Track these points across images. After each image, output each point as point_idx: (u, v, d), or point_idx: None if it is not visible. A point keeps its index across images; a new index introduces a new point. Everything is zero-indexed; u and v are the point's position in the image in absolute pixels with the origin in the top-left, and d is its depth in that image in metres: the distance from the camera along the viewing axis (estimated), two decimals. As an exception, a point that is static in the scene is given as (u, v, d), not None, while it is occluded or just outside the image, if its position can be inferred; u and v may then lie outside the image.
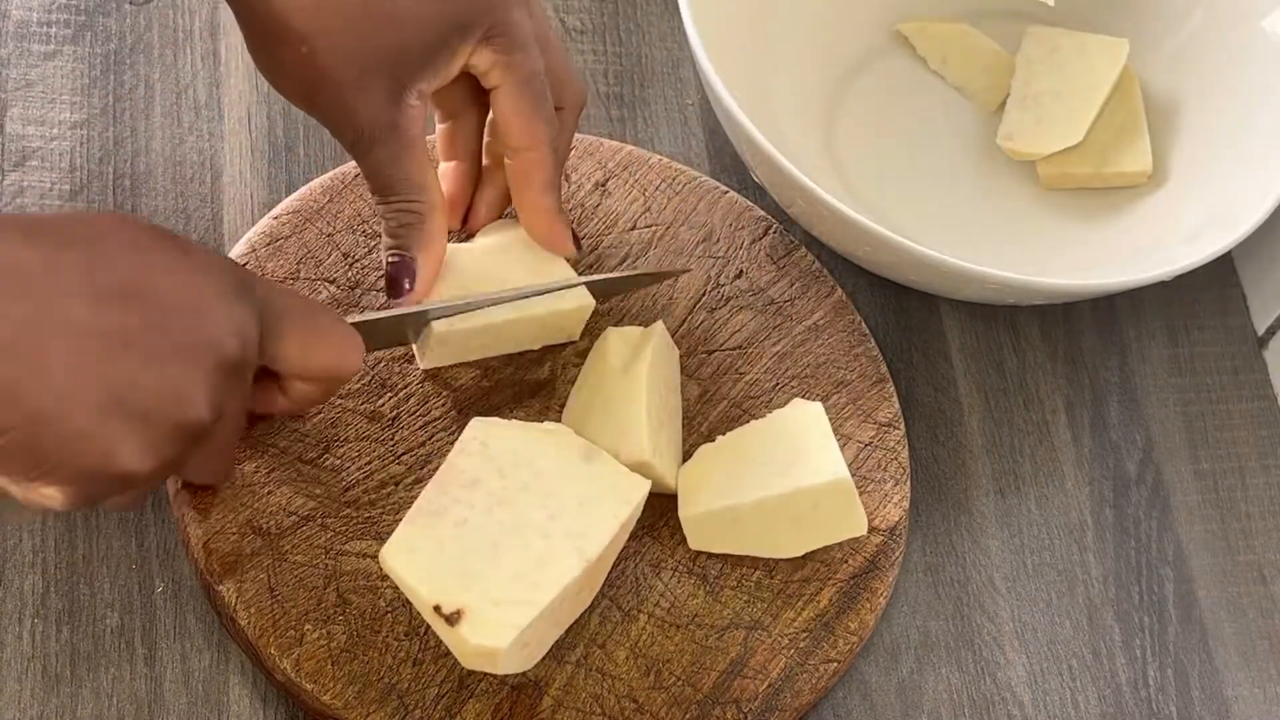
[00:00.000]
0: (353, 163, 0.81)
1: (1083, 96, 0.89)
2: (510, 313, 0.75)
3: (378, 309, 0.77)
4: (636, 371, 0.74)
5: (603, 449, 0.72)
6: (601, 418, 0.74)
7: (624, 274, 0.80)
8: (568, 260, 0.78)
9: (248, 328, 0.63)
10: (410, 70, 0.70)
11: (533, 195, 0.75)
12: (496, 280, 0.75)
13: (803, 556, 0.75)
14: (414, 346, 0.76)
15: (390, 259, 0.73)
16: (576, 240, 0.77)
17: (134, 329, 0.59)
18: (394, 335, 0.75)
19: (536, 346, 0.78)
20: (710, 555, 0.75)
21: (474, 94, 0.75)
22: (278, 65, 0.71)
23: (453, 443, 0.71)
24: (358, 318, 0.71)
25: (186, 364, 0.60)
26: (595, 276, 0.78)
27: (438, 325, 0.74)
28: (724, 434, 0.75)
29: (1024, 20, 0.94)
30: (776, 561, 0.75)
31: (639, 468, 0.72)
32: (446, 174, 0.78)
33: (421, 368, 0.77)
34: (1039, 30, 0.91)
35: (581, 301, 0.77)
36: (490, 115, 0.76)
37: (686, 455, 0.77)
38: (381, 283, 0.78)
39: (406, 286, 0.73)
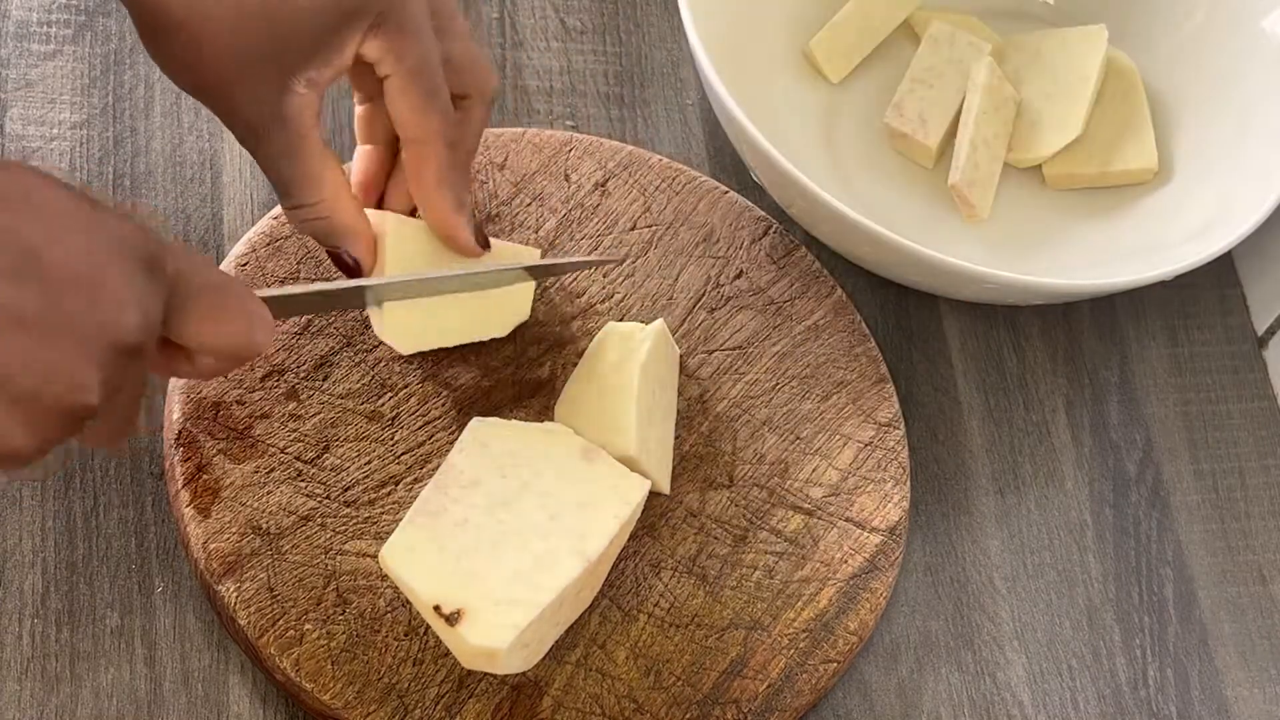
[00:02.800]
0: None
1: (1072, 91, 0.89)
2: (450, 283, 0.74)
3: (305, 283, 0.76)
4: (629, 368, 0.74)
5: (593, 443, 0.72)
6: (591, 411, 0.74)
7: (556, 260, 0.79)
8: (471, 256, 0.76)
9: (150, 307, 0.59)
10: (295, 59, 0.68)
11: (424, 190, 0.73)
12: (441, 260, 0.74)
13: (802, 556, 0.76)
14: (370, 315, 0.76)
15: (329, 252, 0.72)
16: (483, 239, 0.75)
17: (28, 307, 0.55)
18: (329, 304, 0.74)
19: (497, 332, 0.77)
20: (710, 555, 0.75)
21: (366, 75, 0.73)
22: (164, 56, 0.68)
23: (453, 443, 0.71)
24: (274, 291, 0.69)
25: (80, 345, 0.57)
26: (532, 262, 0.76)
27: (379, 292, 0.73)
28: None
29: (1023, 20, 0.94)
30: (776, 561, 0.75)
31: (625, 464, 0.72)
32: (362, 156, 0.75)
33: (381, 339, 0.76)
34: (1019, 38, 0.91)
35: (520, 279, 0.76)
36: None
37: (683, 457, 0.77)
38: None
39: (354, 271, 0.72)
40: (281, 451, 0.74)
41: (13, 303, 0.55)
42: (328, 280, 0.76)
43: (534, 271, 0.77)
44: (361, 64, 0.70)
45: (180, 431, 0.74)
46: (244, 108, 0.68)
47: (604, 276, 0.81)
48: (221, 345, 0.64)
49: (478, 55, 0.73)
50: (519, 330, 0.79)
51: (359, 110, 0.75)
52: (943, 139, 0.89)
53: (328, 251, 0.72)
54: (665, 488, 0.75)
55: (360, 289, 0.72)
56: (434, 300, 0.74)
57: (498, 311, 0.77)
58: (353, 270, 0.72)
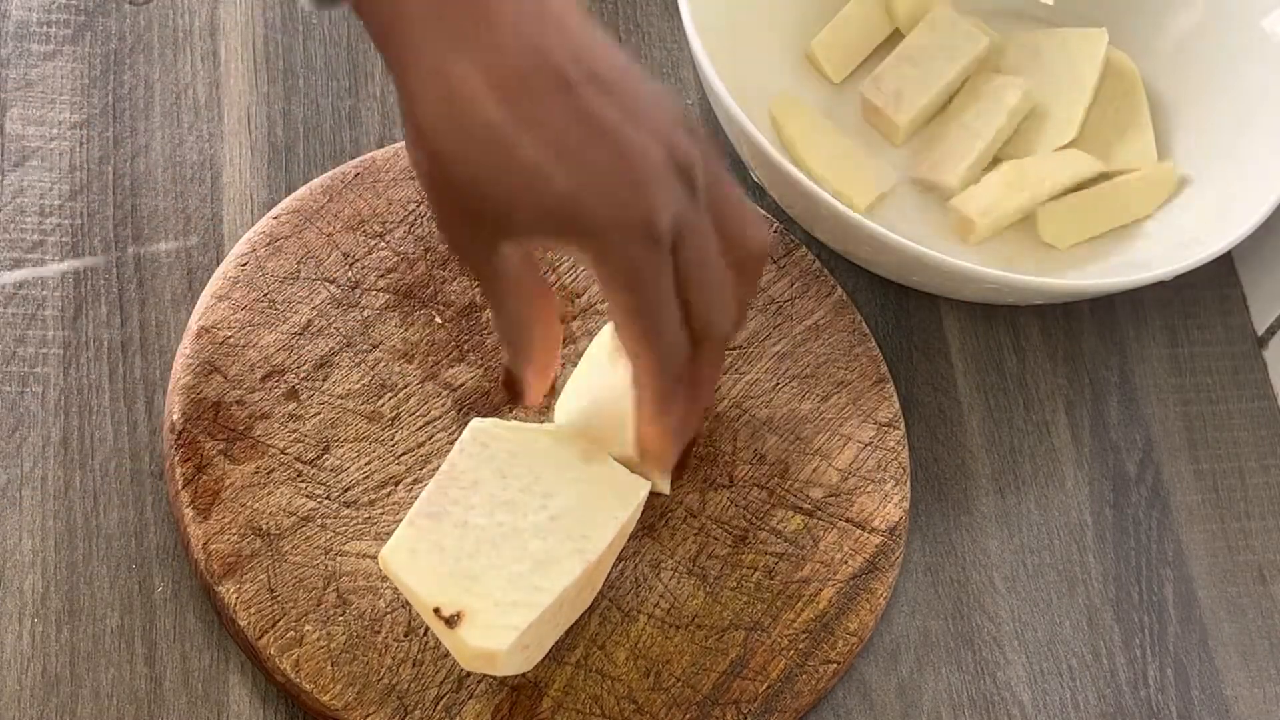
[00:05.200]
0: (353, 163, 0.81)
1: (1070, 93, 0.89)
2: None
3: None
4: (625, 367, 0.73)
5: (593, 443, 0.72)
6: (590, 411, 0.74)
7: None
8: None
9: (690, 155, 0.61)
10: (506, 234, 0.62)
11: (638, 410, 0.67)
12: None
13: (802, 557, 0.76)
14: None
15: (506, 372, 0.68)
16: (683, 462, 0.71)
17: (601, 109, 0.60)
18: None
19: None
20: (710, 556, 0.75)
21: None
22: (410, 146, 0.64)
23: (453, 443, 0.71)
24: None
25: (656, 137, 0.60)
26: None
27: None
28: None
29: (1023, 20, 0.94)
30: (776, 562, 0.75)
31: (625, 464, 0.72)
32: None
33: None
34: (1020, 36, 0.91)
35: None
36: None
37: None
38: (381, 282, 0.78)
39: (518, 403, 0.70)
40: (281, 452, 0.74)
41: (590, 101, 0.60)
42: None
43: None
44: None
45: (180, 431, 0.74)
46: (461, 249, 0.64)
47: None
48: (744, 249, 0.65)
49: (742, 230, 0.65)
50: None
51: None
52: (914, 118, 0.89)
53: (506, 373, 0.68)
54: (665, 488, 0.75)
55: None
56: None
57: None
58: (513, 396, 0.68)
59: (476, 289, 0.69)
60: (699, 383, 0.67)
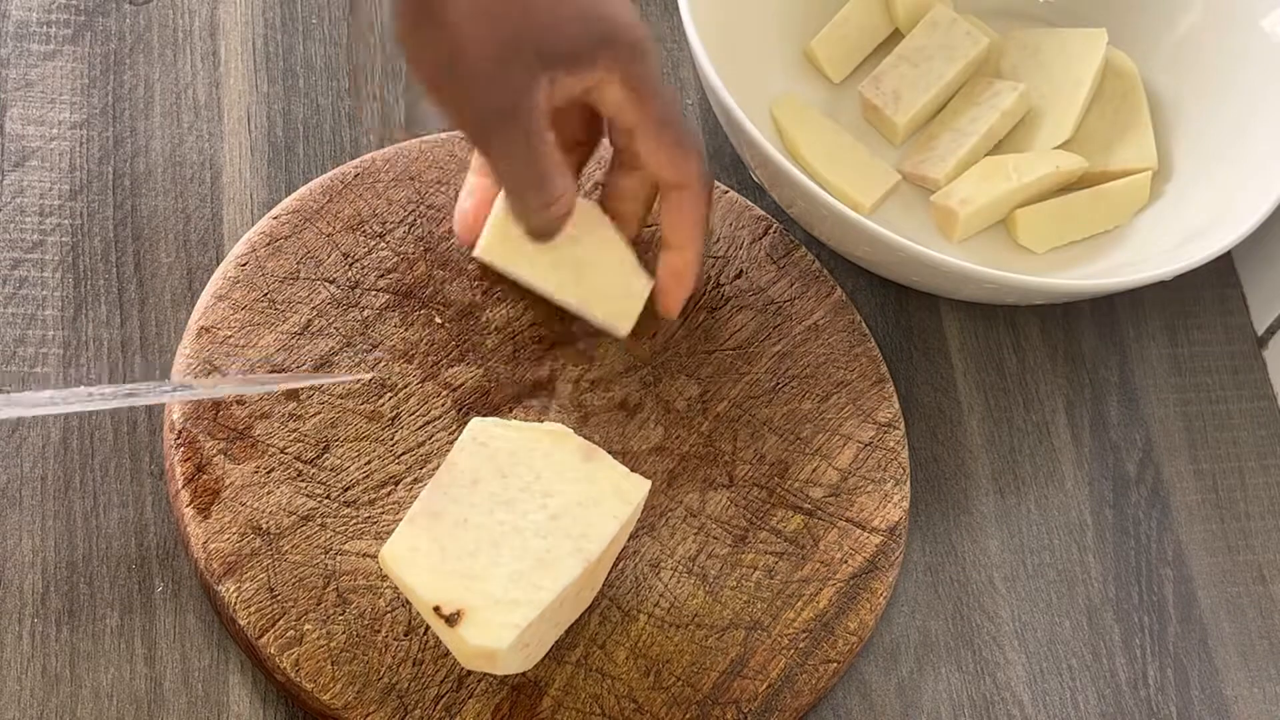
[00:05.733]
0: (353, 163, 0.81)
1: (1067, 93, 0.89)
2: (566, 252, 0.76)
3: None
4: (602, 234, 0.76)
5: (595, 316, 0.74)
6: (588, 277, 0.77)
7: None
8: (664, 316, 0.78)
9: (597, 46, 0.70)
10: (551, 59, 0.70)
11: (681, 232, 0.75)
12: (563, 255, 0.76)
13: (802, 556, 0.76)
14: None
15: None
16: (686, 308, 0.78)
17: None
18: None
19: (588, 313, 0.78)
20: (710, 555, 0.75)
21: (588, 128, 0.76)
22: (421, 31, 0.70)
23: (453, 443, 0.71)
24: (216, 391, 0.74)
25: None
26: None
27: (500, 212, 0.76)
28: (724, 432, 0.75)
29: (1023, 20, 0.94)
30: (776, 562, 0.75)
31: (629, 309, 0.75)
32: (474, 188, 0.78)
33: (475, 252, 0.77)
34: (1019, 34, 0.91)
35: (634, 295, 0.77)
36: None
37: (683, 457, 0.77)
38: (381, 283, 0.78)
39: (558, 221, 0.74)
40: (281, 451, 0.74)
41: None
42: None
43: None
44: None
45: (180, 431, 0.74)
46: (494, 93, 0.70)
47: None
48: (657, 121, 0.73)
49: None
50: (519, 330, 0.79)
51: None
52: (913, 118, 0.89)
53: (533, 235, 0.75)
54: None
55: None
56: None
57: (607, 293, 0.78)
58: (544, 227, 0.74)
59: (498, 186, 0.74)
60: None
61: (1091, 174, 0.89)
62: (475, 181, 0.78)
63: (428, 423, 0.76)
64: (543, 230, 0.74)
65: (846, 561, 0.76)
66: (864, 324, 0.83)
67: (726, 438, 0.78)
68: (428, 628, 0.70)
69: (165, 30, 0.87)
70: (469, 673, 0.70)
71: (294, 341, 0.77)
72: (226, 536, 0.72)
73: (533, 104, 0.70)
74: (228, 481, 0.73)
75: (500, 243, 0.76)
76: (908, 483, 0.79)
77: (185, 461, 0.73)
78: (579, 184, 0.77)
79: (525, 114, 0.70)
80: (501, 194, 0.75)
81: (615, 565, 0.73)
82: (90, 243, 0.80)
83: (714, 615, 0.74)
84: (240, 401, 0.75)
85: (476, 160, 0.78)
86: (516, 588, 0.66)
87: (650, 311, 0.78)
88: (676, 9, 0.85)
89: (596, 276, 0.77)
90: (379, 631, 0.71)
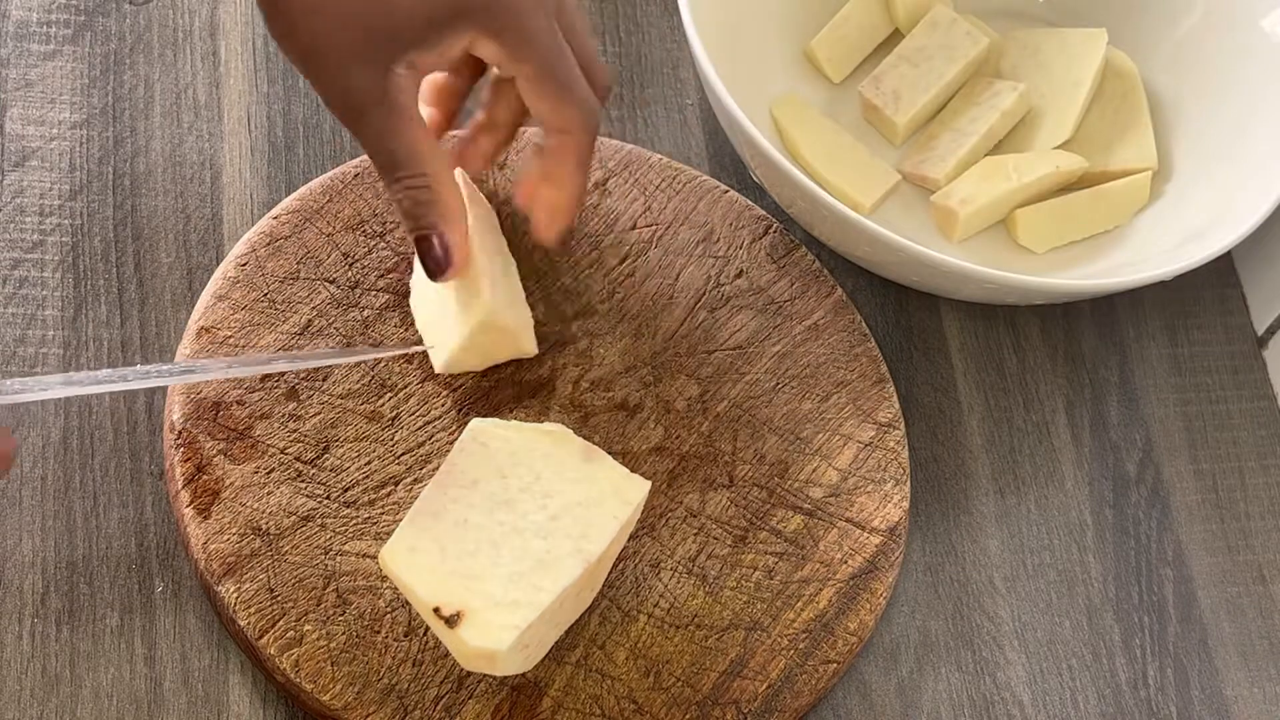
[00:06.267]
0: (353, 163, 0.81)
1: (1067, 93, 0.89)
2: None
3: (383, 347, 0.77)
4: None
5: (459, 324, 0.73)
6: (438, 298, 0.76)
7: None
8: (546, 246, 0.77)
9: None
10: (404, 43, 0.70)
11: (564, 174, 0.74)
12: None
13: (802, 557, 0.76)
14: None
15: (419, 239, 0.72)
16: (568, 238, 0.77)
17: None
18: None
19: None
20: (710, 556, 0.75)
21: (466, 57, 0.75)
22: (281, 22, 0.71)
23: (453, 443, 0.71)
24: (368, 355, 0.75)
25: None
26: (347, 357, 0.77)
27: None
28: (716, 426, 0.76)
29: (1023, 20, 0.94)
30: (776, 562, 0.75)
31: (488, 326, 0.74)
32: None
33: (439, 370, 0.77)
34: (1020, 34, 0.91)
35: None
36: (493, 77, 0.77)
37: (683, 457, 0.77)
38: (381, 283, 0.78)
39: (450, 268, 0.72)
40: (281, 452, 0.74)
41: None
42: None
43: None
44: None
45: (180, 431, 0.74)
46: (350, 81, 0.70)
47: (604, 276, 0.81)
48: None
49: (594, 54, 0.76)
50: (519, 330, 0.79)
51: (435, 78, 0.77)
52: (913, 118, 0.89)
53: (420, 251, 0.72)
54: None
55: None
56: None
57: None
58: (440, 264, 0.72)
59: (384, 183, 0.73)
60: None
61: (1091, 174, 0.89)
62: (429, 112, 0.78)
63: (428, 423, 0.76)
64: (419, 207, 0.72)
65: (846, 562, 0.76)
66: (864, 324, 0.83)
67: (726, 438, 0.78)
68: (428, 628, 0.70)
69: (165, 30, 0.87)
70: (469, 673, 0.70)
71: (294, 341, 0.77)
72: (226, 537, 0.72)
73: (391, 91, 0.70)
74: (228, 482, 0.73)
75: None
76: (908, 483, 0.79)
77: (185, 461, 0.73)
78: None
79: (384, 101, 0.70)
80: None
81: (615, 566, 0.73)
82: (90, 243, 0.80)
83: (714, 616, 0.74)
84: (240, 402, 0.75)
85: (424, 90, 0.77)
86: (516, 589, 0.66)
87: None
88: (676, 9, 0.85)
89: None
90: (379, 632, 0.71)
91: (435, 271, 0.72)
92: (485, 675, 0.70)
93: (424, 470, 0.74)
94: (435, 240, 0.72)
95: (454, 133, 0.78)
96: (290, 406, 0.75)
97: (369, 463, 0.74)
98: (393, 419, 0.76)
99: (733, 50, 0.85)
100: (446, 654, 0.70)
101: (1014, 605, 0.80)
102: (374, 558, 0.72)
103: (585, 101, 0.73)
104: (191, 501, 0.72)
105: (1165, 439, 0.86)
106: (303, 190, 0.81)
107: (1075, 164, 0.87)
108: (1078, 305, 0.89)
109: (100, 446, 0.76)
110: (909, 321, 0.86)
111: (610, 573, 0.73)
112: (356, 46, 0.70)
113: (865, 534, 0.77)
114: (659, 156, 0.85)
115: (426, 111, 0.77)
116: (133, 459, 0.76)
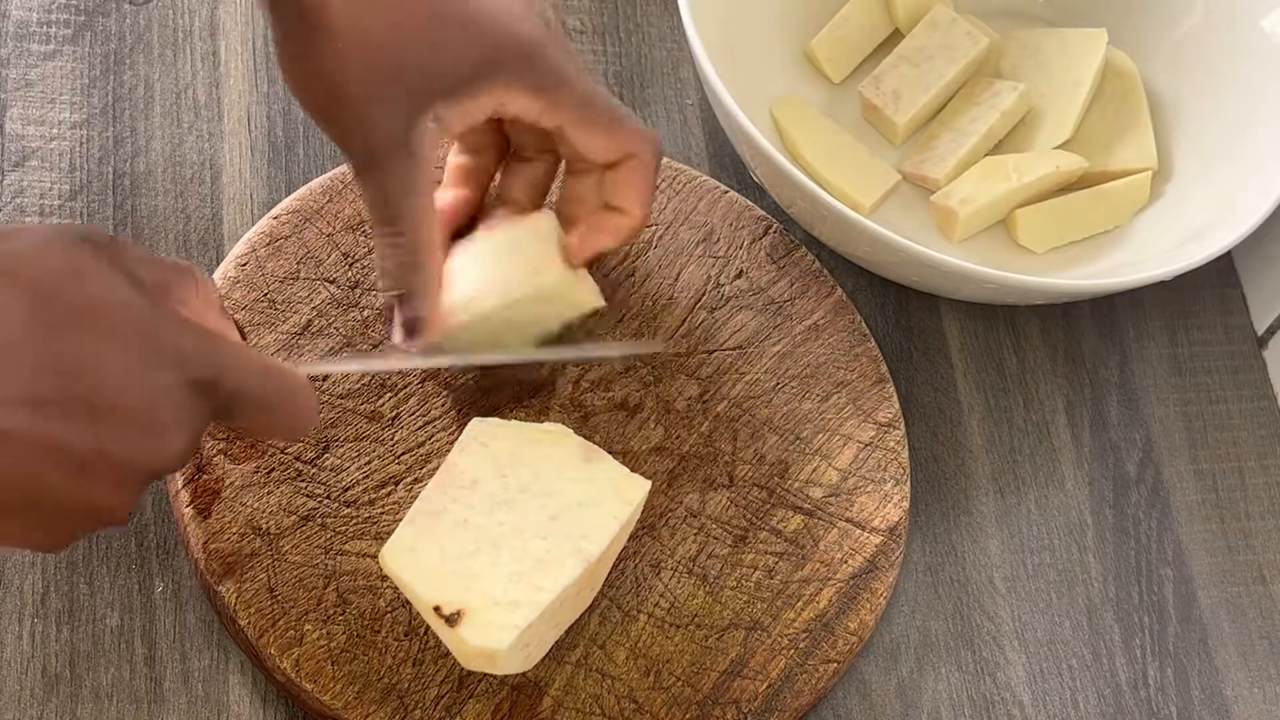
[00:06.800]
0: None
1: (1067, 93, 0.89)
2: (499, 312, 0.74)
3: (360, 354, 0.77)
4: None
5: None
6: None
7: (600, 352, 0.79)
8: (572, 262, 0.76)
9: (195, 438, 0.59)
10: (432, 94, 0.68)
11: (633, 201, 0.73)
12: (495, 284, 0.74)
13: (802, 557, 0.76)
14: None
15: (394, 303, 0.70)
16: (613, 292, 0.76)
17: (75, 442, 0.56)
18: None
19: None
20: (710, 555, 0.75)
21: (496, 133, 0.75)
22: (304, 63, 0.69)
23: (453, 443, 0.71)
24: (315, 368, 0.74)
25: (120, 483, 0.58)
26: (567, 355, 0.77)
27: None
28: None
29: (1023, 20, 0.94)
30: (776, 562, 0.75)
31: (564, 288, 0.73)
32: (452, 200, 0.75)
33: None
34: (1020, 34, 0.91)
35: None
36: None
37: (683, 457, 0.77)
38: (380, 283, 0.78)
39: (410, 330, 0.71)
40: (281, 452, 0.74)
41: (61, 437, 0.55)
42: (369, 354, 0.76)
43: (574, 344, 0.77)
44: (505, 124, 0.73)
45: (180, 431, 0.74)
46: (374, 128, 0.68)
47: (604, 276, 0.81)
48: (271, 435, 0.70)
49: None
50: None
51: (457, 160, 0.76)
52: (913, 118, 0.89)
53: (398, 316, 0.70)
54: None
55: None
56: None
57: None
58: (408, 329, 0.70)
59: (381, 232, 0.71)
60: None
61: (1091, 174, 0.89)
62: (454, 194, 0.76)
63: (428, 423, 0.76)
64: (398, 270, 0.70)
65: (846, 561, 0.76)
66: (864, 324, 0.83)
67: (726, 438, 0.78)
68: (428, 628, 0.70)
69: (165, 30, 0.87)
70: (469, 673, 0.70)
71: (294, 341, 0.77)
72: (226, 536, 0.72)
73: (412, 143, 0.68)
74: (228, 481, 0.73)
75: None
76: (908, 483, 0.79)
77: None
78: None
79: (402, 153, 0.68)
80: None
81: (615, 565, 0.73)
82: (90, 243, 0.80)
83: (714, 615, 0.74)
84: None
85: (448, 176, 0.76)
86: (516, 588, 0.66)
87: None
88: (676, 9, 0.85)
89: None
90: (379, 632, 0.71)
91: (411, 339, 0.70)
92: (485, 675, 0.70)
93: (424, 470, 0.74)
94: (415, 313, 0.70)
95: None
96: (290, 406, 0.75)
97: (369, 462, 0.74)
98: (393, 419, 0.76)
99: (733, 50, 0.85)
100: (447, 654, 0.70)
101: (1014, 605, 0.80)
102: (374, 557, 0.72)
103: (637, 122, 0.72)
104: (191, 501, 0.72)
105: (1165, 439, 0.86)
106: (303, 190, 0.81)
107: (1075, 164, 0.87)
108: (1078, 305, 0.89)
109: (100, 446, 0.76)
110: (909, 321, 0.86)
111: (610, 572, 0.73)
112: (384, 93, 0.68)
113: (865, 534, 0.77)
114: (659, 156, 0.85)
115: (455, 193, 0.75)
116: (133, 459, 0.76)
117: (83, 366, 0.56)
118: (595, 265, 0.78)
